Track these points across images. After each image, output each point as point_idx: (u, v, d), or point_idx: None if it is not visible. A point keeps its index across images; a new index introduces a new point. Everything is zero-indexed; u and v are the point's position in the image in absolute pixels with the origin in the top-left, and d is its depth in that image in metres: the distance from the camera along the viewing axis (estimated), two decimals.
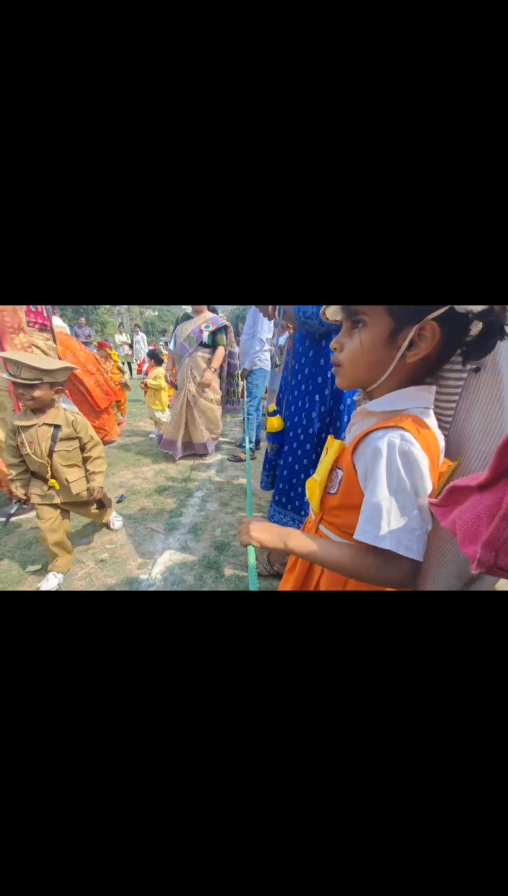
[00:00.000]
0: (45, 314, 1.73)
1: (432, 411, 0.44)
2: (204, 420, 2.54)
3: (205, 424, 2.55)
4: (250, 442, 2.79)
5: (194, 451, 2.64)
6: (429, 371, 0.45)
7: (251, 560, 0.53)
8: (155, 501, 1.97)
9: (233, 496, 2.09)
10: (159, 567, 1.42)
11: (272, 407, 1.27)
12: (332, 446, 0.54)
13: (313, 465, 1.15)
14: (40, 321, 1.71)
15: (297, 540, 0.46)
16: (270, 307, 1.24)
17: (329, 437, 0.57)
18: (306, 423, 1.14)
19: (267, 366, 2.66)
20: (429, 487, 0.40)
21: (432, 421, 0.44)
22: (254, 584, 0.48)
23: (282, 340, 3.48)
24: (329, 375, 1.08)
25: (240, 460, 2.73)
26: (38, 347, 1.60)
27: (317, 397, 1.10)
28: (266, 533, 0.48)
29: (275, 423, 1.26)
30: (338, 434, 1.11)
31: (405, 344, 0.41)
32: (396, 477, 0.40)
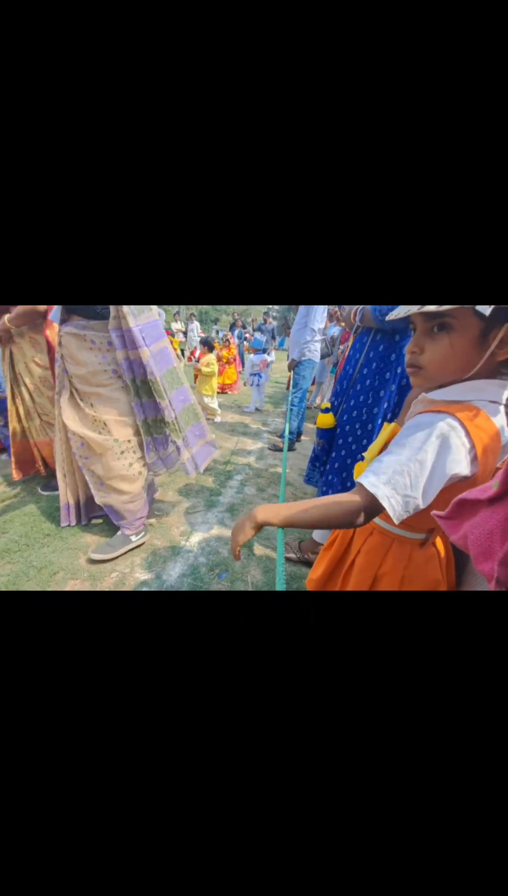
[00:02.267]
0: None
1: (502, 407, 0.43)
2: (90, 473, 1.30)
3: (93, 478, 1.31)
4: (291, 433, 2.80)
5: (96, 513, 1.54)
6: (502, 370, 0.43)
7: (280, 547, 0.53)
8: (197, 479, 2.11)
9: (270, 483, 2.15)
10: (197, 537, 1.55)
11: (326, 404, 1.24)
12: (386, 430, 0.54)
13: None
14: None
15: (288, 510, 0.47)
16: (345, 308, 1.21)
17: (385, 424, 0.57)
18: (365, 419, 1.11)
19: (316, 357, 2.60)
20: (455, 472, 0.40)
21: (500, 417, 0.42)
22: (281, 575, 0.47)
23: (336, 332, 3.37)
24: (399, 371, 1.04)
25: (279, 449, 2.76)
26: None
27: (382, 393, 1.07)
28: (239, 531, 0.49)
29: (327, 419, 1.23)
30: None
31: (496, 343, 0.40)
32: (418, 449, 0.41)
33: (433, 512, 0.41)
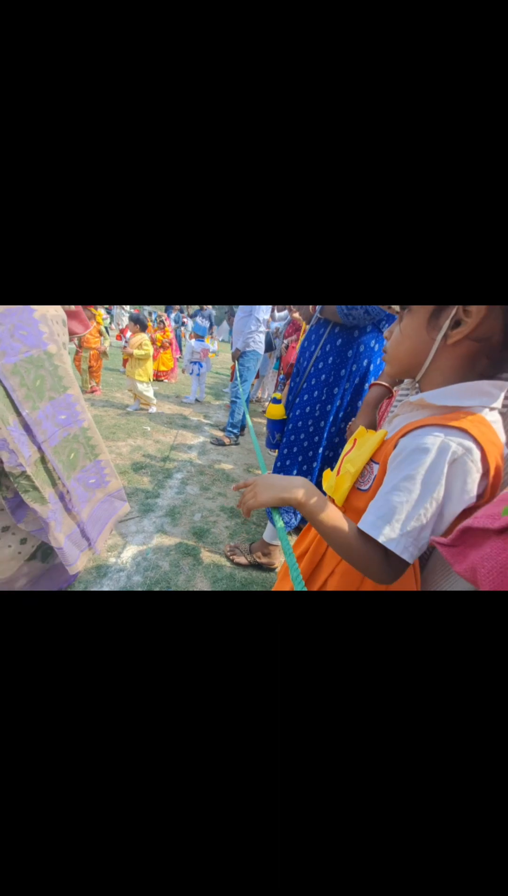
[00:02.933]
0: None
1: (498, 413, 0.39)
2: None
3: None
4: (235, 427, 2.69)
5: None
6: (495, 362, 0.39)
7: (279, 523, 0.46)
8: (130, 480, 1.83)
9: (214, 481, 2.01)
10: (131, 551, 1.32)
11: (277, 395, 1.19)
12: (368, 437, 0.47)
13: (317, 459, 1.10)
14: None
15: (303, 493, 0.42)
16: (309, 307, 1.12)
17: (360, 428, 0.50)
18: (318, 416, 1.06)
19: (261, 349, 2.54)
20: (465, 502, 0.35)
21: (499, 425, 0.38)
22: (287, 547, 0.43)
23: (280, 325, 3.36)
24: (353, 369, 1.01)
25: (223, 444, 2.63)
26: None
27: (335, 390, 1.03)
28: (270, 491, 0.44)
29: (277, 410, 1.18)
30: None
31: (447, 324, 0.36)
32: (434, 485, 0.35)
33: (434, 539, 0.35)
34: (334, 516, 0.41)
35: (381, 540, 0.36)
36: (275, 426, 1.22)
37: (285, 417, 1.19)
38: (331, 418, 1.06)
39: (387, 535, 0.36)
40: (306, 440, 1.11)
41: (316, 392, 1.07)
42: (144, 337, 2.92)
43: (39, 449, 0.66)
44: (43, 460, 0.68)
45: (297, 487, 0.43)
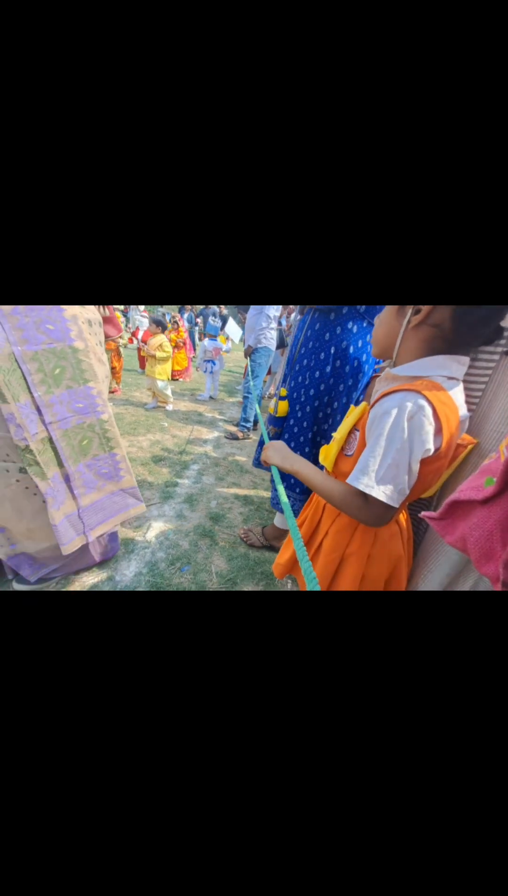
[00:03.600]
0: None
1: (459, 383, 0.47)
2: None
3: None
4: (247, 421, 2.79)
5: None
6: (450, 345, 0.46)
7: (276, 476, 0.61)
8: (151, 470, 1.96)
9: (229, 472, 2.11)
10: (154, 531, 1.45)
11: (284, 391, 1.20)
12: (354, 411, 0.56)
13: (309, 444, 1.13)
14: None
15: (301, 464, 0.57)
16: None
17: (352, 406, 0.59)
18: (303, 400, 1.10)
19: (272, 345, 2.61)
20: (425, 448, 0.44)
21: (456, 392, 0.46)
22: (281, 492, 0.55)
23: (293, 320, 3.41)
24: (332, 352, 1.03)
25: (236, 438, 2.74)
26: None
27: (317, 374, 1.05)
28: (278, 455, 0.59)
29: (283, 407, 1.18)
30: (335, 415, 1.09)
31: (410, 311, 0.46)
32: (398, 438, 0.44)
33: (423, 514, 0.43)
34: (322, 477, 0.53)
35: (360, 487, 0.46)
36: (276, 422, 1.21)
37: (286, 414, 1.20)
38: (315, 402, 1.07)
39: (365, 483, 0.45)
40: (296, 425, 1.13)
41: (300, 377, 1.09)
42: (163, 338, 3.06)
43: (47, 429, 0.74)
44: (50, 440, 0.75)
45: (296, 459, 0.57)
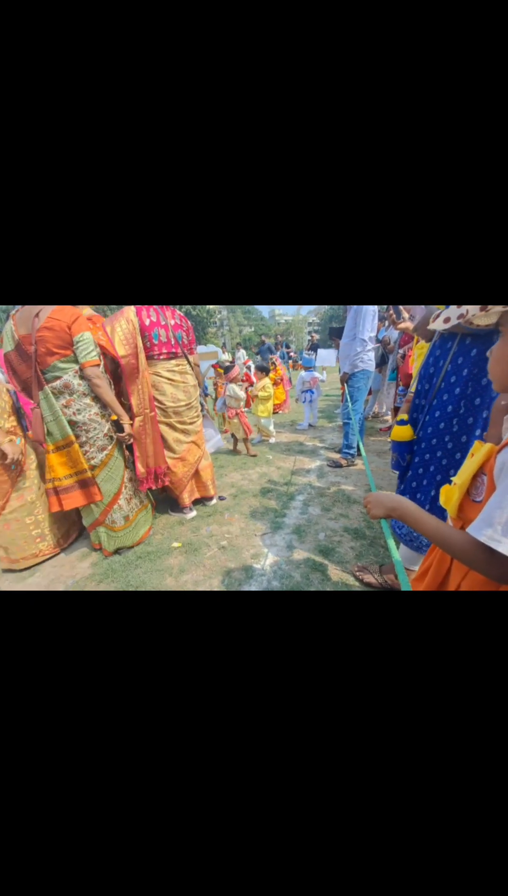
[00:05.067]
0: (172, 342, 1.69)
1: None
2: None
3: None
4: (350, 448, 2.68)
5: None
6: None
7: (387, 534, 0.59)
8: (261, 501, 2.16)
9: (335, 502, 2.07)
10: (270, 560, 1.56)
11: (403, 416, 1.15)
12: (480, 450, 0.50)
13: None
14: (166, 351, 1.68)
15: (409, 510, 0.52)
16: (417, 316, 1.14)
17: (476, 443, 0.53)
18: (457, 430, 1.00)
19: (371, 366, 2.51)
20: None
21: None
22: (395, 554, 0.54)
23: (394, 334, 3.19)
24: None
25: (340, 466, 2.66)
26: (168, 379, 1.68)
27: (478, 401, 0.95)
28: (380, 506, 0.56)
29: (404, 432, 1.14)
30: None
31: None
32: None
33: None
34: (435, 525, 0.49)
35: (483, 539, 0.41)
36: (401, 448, 1.16)
37: (413, 438, 1.14)
38: (477, 431, 0.96)
39: (488, 535, 0.40)
40: (445, 458, 1.03)
41: (450, 407, 1.00)
42: (266, 381, 3.47)
43: None
44: None
45: (396, 501, 0.54)
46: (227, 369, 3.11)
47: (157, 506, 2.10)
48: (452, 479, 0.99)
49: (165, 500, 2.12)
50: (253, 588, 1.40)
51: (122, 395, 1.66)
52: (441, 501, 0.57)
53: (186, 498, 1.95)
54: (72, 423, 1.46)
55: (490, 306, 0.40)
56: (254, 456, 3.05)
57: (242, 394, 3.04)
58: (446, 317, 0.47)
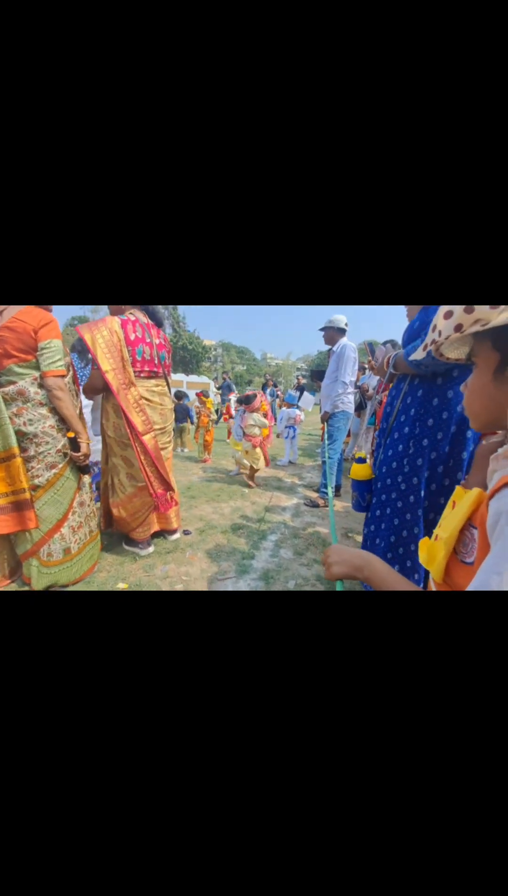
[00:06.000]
0: (154, 361, 1.64)
1: None
2: None
3: None
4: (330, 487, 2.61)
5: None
6: None
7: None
8: (229, 539, 1.96)
9: (309, 545, 1.91)
10: None
11: (361, 454, 1.16)
12: (464, 497, 0.41)
13: (417, 523, 0.95)
14: (148, 369, 1.61)
15: (377, 571, 0.42)
16: (380, 359, 1.21)
17: (458, 489, 0.44)
18: (408, 471, 0.97)
19: (350, 409, 2.56)
20: None
21: None
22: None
23: (374, 381, 3.36)
24: (444, 417, 0.93)
25: (316, 506, 2.55)
26: (145, 399, 1.58)
27: (425, 442, 0.95)
28: (341, 565, 0.45)
29: (362, 470, 1.12)
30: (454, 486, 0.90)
31: None
32: None
33: None
34: (404, 585, 0.39)
35: None
36: (361, 487, 1.14)
37: (371, 477, 1.12)
38: (426, 473, 0.94)
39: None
40: (399, 500, 0.99)
41: (401, 446, 0.99)
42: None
43: None
44: None
45: (363, 559, 0.43)
46: (248, 400, 3.07)
47: (104, 539, 1.85)
48: (410, 525, 0.96)
49: (117, 533, 1.88)
50: None
51: (116, 413, 1.56)
52: (422, 560, 0.45)
53: (144, 532, 1.73)
54: (20, 434, 1.28)
55: (461, 330, 0.35)
56: (254, 486, 2.95)
57: (265, 422, 2.99)
58: (423, 344, 0.42)
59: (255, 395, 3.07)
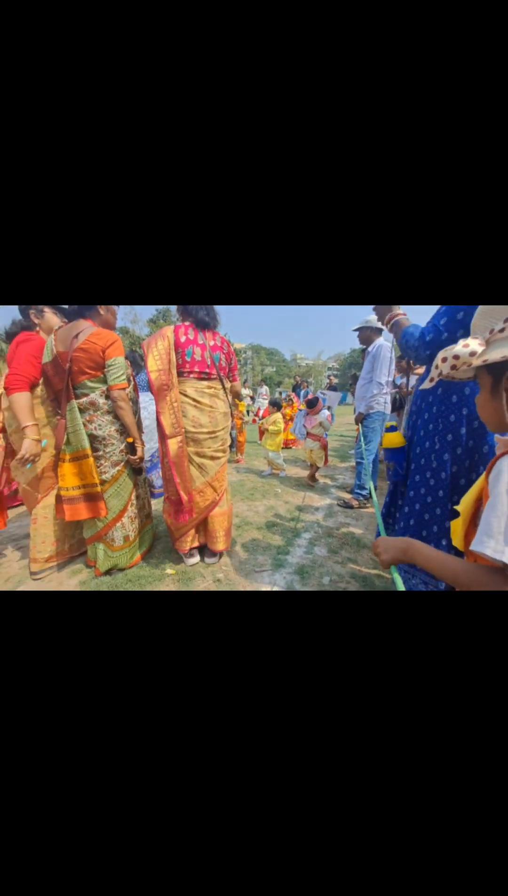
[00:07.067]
0: (207, 363, 1.53)
1: None
2: None
3: None
4: (363, 489, 2.59)
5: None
6: None
7: (399, 585, 0.50)
8: (264, 535, 2.06)
9: (343, 545, 1.94)
10: None
11: (391, 423, 1.18)
12: (479, 482, 0.50)
13: (448, 515, 0.97)
14: (198, 370, 1.52)
15: (417, 550, 0.49)
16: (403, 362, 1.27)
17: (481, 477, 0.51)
18: (436, 467, 1.01)
19: (386, 409, 2.52)
20: None
21: None
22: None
23: (412, 380, 3.25)
24: (465, 413, 0.95)
25: (351, 507, 2.55)
26: (194, 400, 1.52)
27: (449, 437, 0.98)
28: (388, 552, 0.53)
29: (394, 438, 1.14)
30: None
31: (504, 395, 0.44)
32: None
33: None
34: (440, 560, 0.46)
35: (488, 553, 0.39)
36: (397, 456, 1.13)
37: (404, 444, 1.14)
38: (453, 468, 0.97)
39: (493, 547, 0.39)
40: (429, 494, 1.03)
41: (427, 443, 1.03)
42: (278, 415, 3.54)
43: None
44: None
45: (406, 542, 0.51)
46: (311, 403, 3.24)
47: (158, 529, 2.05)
48: (447, 524, 0.98)
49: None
50: None
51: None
52: (452, 535, 0.54)
53: (182, 544, 1.66)
54: (92, 437, 1.51)
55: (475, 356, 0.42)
56: (315, 483, 3.11)
57: (328, 423, 3.11)
58: (430, 377, 0.51)
59: (317, 399, 3.19)
